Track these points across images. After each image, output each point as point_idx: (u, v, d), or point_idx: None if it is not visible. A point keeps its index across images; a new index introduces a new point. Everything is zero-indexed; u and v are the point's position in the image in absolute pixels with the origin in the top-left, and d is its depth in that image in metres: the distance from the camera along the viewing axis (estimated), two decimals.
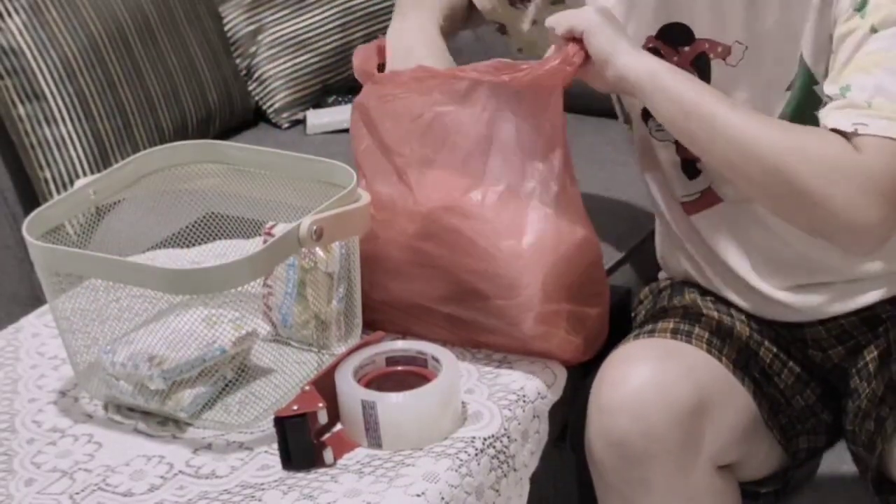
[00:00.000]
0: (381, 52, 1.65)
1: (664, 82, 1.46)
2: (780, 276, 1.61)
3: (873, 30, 1.42)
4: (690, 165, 1.61)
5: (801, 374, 1.65)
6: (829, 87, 1.45)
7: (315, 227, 1.47)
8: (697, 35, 1.56)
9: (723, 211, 1.62)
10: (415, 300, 1.59)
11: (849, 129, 1.39)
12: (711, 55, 1.55)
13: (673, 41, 1.57)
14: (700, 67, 1.56)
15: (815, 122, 1.45)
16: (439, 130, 1.55)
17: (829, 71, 1.46)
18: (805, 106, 1.51)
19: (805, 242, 1.55)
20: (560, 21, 1.50)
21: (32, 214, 1.54)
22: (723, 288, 1.65)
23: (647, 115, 1.61)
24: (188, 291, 1.48)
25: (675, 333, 1.57)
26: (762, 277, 1.62)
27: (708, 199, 1.62)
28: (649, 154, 1.66)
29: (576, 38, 1.49)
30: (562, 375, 1.59)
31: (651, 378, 1.49)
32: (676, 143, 1.59)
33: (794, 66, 1.50)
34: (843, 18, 1.44)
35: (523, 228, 1.51)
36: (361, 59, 1.62)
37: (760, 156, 1.41)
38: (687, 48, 1.56)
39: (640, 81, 1.47)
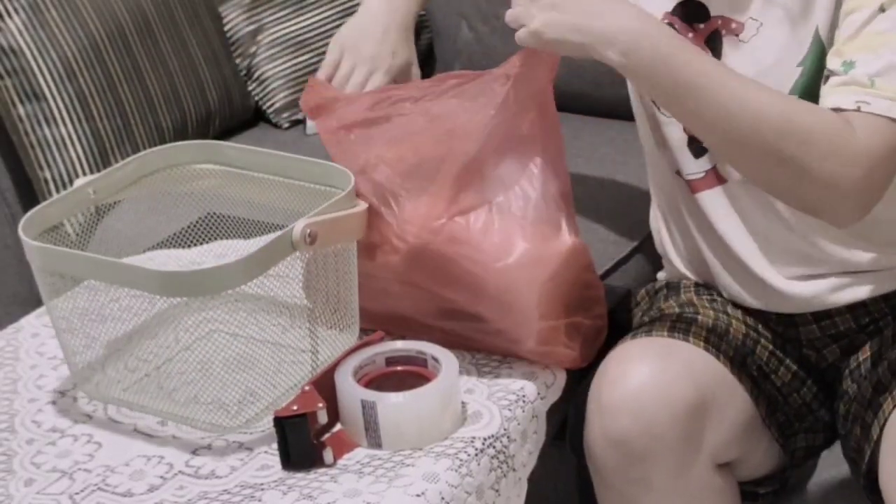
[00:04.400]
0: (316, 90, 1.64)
1: (659, 55, 1.43)
2: (779, 262, 1.61)
3: (882, 9, 1.43)
4: (696, 143, 1.61)
5: (798, 371, 1.65)
6: (831, 61, 1.46)
7: (309, 231, 1.46)
8: (713, 12, 1.56)
9: (726, 191, 1.61)
10: (410, 315, 1.59)
11: (851, 106, 1.41)
12: (724, 31, 1.55)
13: (688, 18, 1.57)
14: (713, 45, 1.56)
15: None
16: (419, 151, 1.54)
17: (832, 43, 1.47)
18: (816, 81, 1.50)
19: (807, 227, 1.57)
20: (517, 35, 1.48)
21: (29, 213, 1.53)
22: (720, 275, 1.65)
23: None
24: (181, 294, 1.47)
25: (672, 332, 1.57)
26: (761, 261, 1.62)
27: (713, 178, 1.62)
28: (656, 131, 1.65)
29: None
30: (561, 376, 1.59)
31: (651, 376, 1.49)
32: None
33: (808, 42, 1.50)
34: None
35: (512, 248, 1.49)
36: (308, 101, 1.62)
37: (760, 138, 1.41)
38: (702, 25, 1.56)
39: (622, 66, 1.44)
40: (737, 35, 1.54)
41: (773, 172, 1.44)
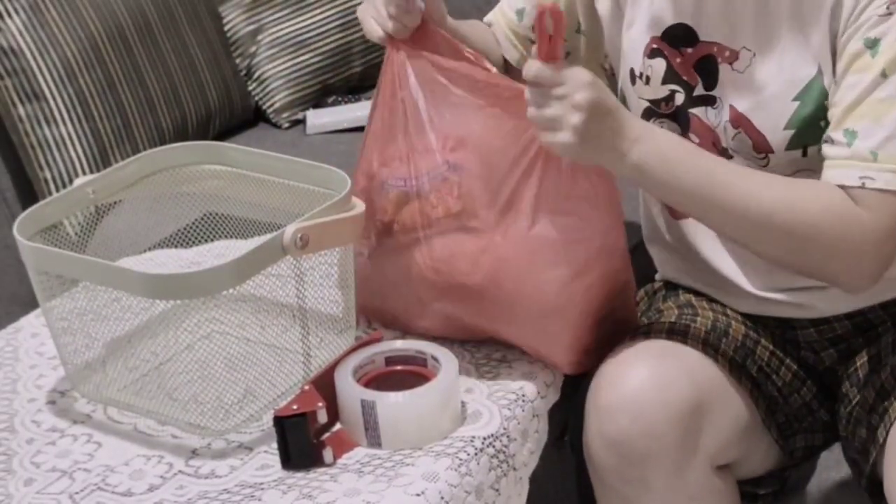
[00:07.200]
0: None
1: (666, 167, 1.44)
2: (768, 279, 1.61)
3: (884, 74, 1.43)
4: None
5: (798, 371, 1.65)
6: (833, 128, 1.46)
7: (300, 235, 1.46)
8: (702, 38, 1.55)
9: None
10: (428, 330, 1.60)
11: (856, 183, 1.43)
12: (720, 59, 1.54)
13: (676, 42, 1.57)
14: (707, 70, 1.55)
15: (822, 133, 1.48)
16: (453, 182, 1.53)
17: (830, 105, 1.47)
18: (814, 117, 1.50)
19: None
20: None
21: (26, 212, 1.53)
22: (715, 289, 1.66)
23: (648, 116, 1.61)
24: (168, 297, 1.47)
25: (670, 334, 1.57)
26: (750, 281, 1.62)
27: None
28: None
29: None
30: (561, 375, 1.59)
31: (649, 378, 1.49)
32: None
33: (804, 76, 1.50)
34: (853, 49, 1.44)
35: (547, 283, 1.49)
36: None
37: (768, 235, 1.45)
38: (690, 49, 1.56)
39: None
40: (731, 64, 1.54)
41: (786, 260, 1.49)
